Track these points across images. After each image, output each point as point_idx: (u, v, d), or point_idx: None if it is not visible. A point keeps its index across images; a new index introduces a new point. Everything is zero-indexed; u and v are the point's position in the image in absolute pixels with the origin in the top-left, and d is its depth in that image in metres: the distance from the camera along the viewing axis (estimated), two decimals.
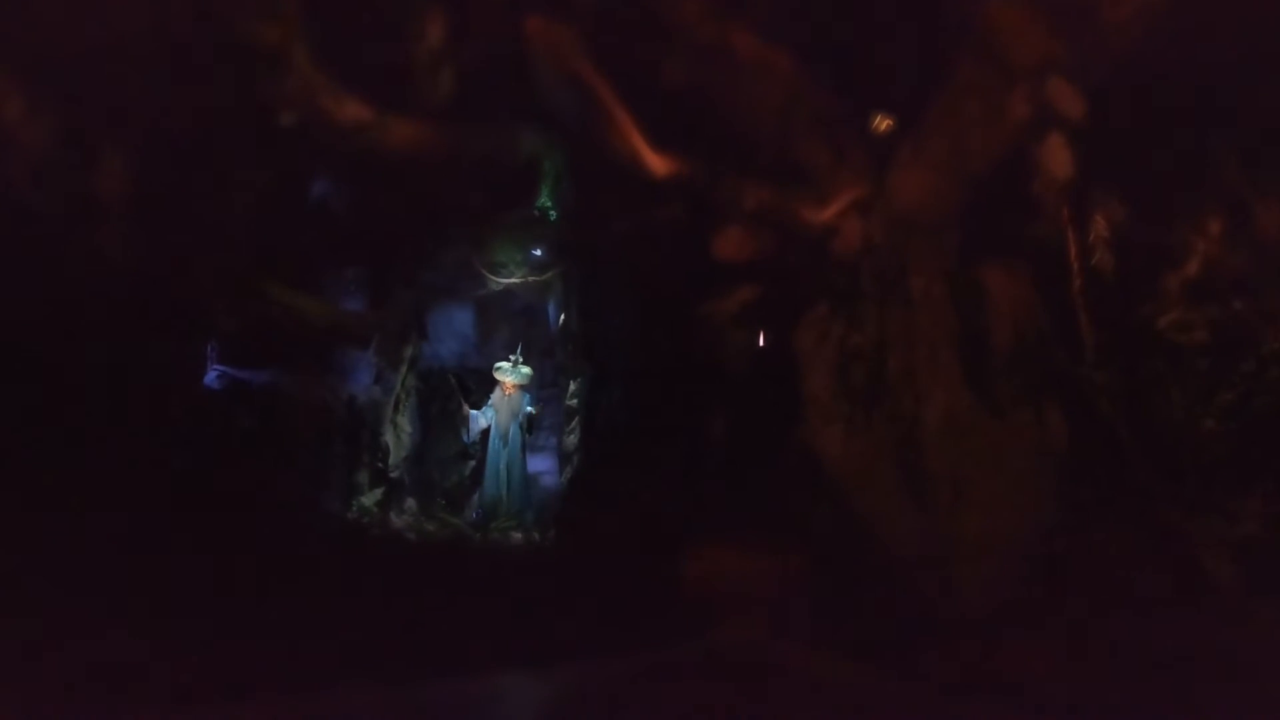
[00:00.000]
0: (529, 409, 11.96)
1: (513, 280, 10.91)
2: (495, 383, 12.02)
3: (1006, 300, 7.71)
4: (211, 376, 10.59)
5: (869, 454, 7.89)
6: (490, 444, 11.82)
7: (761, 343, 9.35)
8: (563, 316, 11.64)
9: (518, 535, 10.92)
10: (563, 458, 11.66)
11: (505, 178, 9.62)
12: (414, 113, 8.91)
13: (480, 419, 11.87)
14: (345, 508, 10.58)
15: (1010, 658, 6.71)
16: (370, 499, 10.76)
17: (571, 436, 11.16)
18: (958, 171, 7.64)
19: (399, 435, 11.62)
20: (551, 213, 9.51)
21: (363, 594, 8.20)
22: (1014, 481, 7.29)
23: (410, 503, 11.42)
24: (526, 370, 11.97)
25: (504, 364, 11.94)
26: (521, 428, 11.87)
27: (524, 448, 11.94)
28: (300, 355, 10.71)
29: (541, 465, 12.66)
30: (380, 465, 11.13)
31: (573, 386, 11.38)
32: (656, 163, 8.12)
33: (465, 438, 12.01)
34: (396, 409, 11.61)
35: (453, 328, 12.99)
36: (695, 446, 9.69)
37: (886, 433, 7.88)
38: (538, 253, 11.05)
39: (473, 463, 12.16)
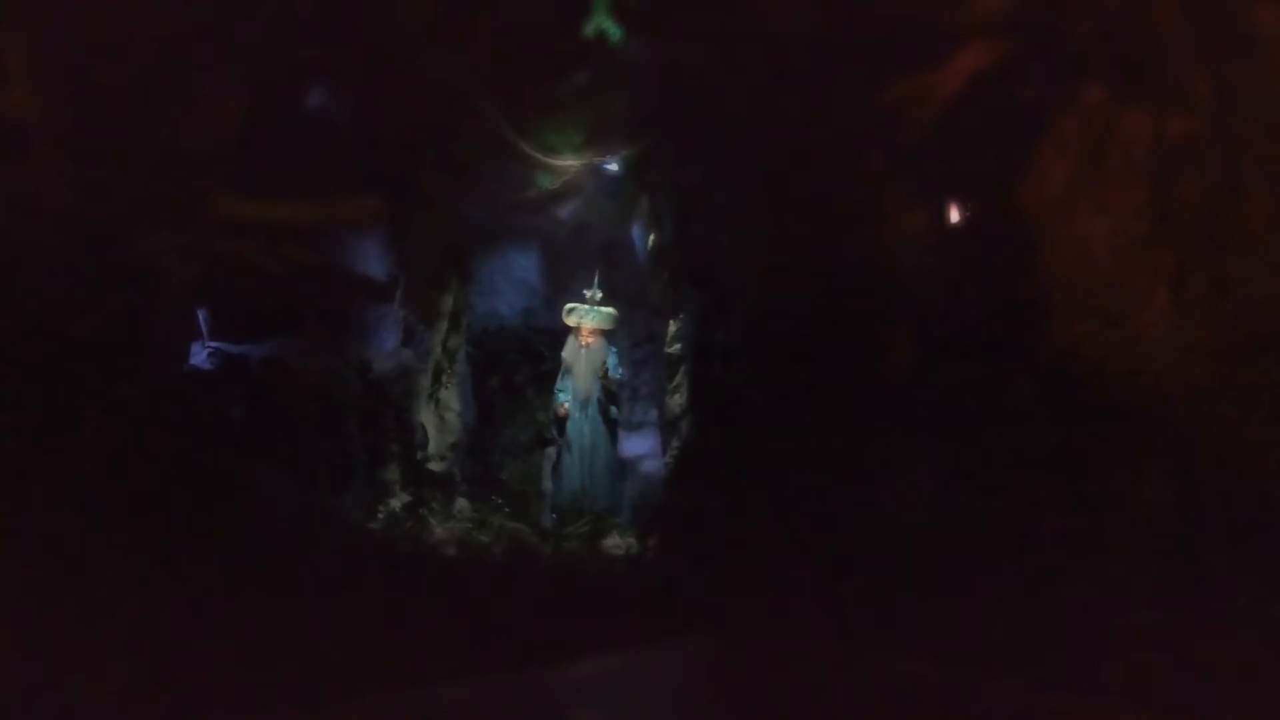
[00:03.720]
0: (616, 374, 8.51)
1: (570, 164, 7.37)
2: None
3: None
4: (201, 356, 7.49)
5: (1232, 352, 4.10)
6: (567, 417, 8.43)
7: (967, 206, 5.76)
8: (651, 236, 8.10)
9: (609, 542, 7.43)
10: (666, 428, 8.08)
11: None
12: None
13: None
14: (369, 514, 7.25)
15: None
16: (401, 501, 7.42)
17: (677, 396, 7.56)
18: None
19: (442, 416, 8.25)
20: (613, 32, 6.00)
21: (384, 632, 5.25)
22: None
23: (461, 505, 8.04)
24: (609, 311, 8.53)
25: (578, 304, 8.53)
26: (600, 400, 8.44)
27: (611, 422, 8.49)
28: (299, 312, 7.48)
29: (641, 447, 9.16)
30: (415, 456, 7.80)
31: (674, 327, 7.80)
32: None
33: (552, 432, 8.63)
34: (438, 381, 8.26)
35: (512, 276, 9.61)
36: (869, 391, 6.10)
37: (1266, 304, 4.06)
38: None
39: (552, 451, 8.78)
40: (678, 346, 7.61)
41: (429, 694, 4.60)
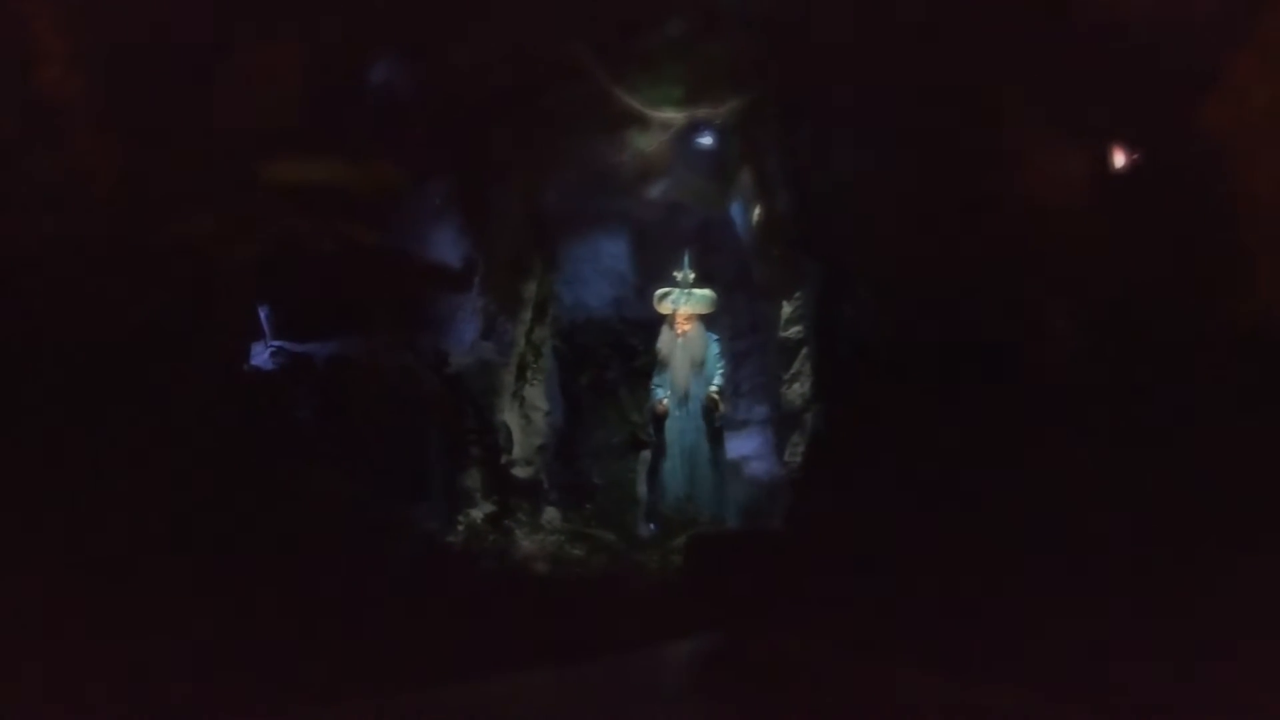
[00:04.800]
0: (715, 383, 7.56)
1: (671, 117, 6.43)
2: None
3: None
4: (263, 355, 6.76)
5: None
6: (666, 415, 7.52)
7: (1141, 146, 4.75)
8: (756, 209, 7.11)
9: None
10: (782, 423, 7.05)
11: None
12: None
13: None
14: (447, 526, 6.45)
15: None
16: (483, 511, 6.57)
17: (796, 386, 6.55)
18: None
19: (528, 416, 7.38)
20: None
21: (465, 660, 4.48)
22: None
23: (550, 515, 7.15)
24: (706, 292, 7.61)
25: (671, 289, 7.64)
26: (705, 405, 7.53)
27: (715, 421, 7.54)
28: (367, 304, 6.69)
29: (746, 448, 8.19)
30: (498, 460, 6.94)
31: (788, 308, 6.80)
32: None
33: (649, 433, 7.76)
34: (522, 377, 7.40)
35: (600, 263, 8.69)
36: (1029, 372, 5.06)
37: None
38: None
39: (647, 454, 7.86)
40: (795, 330, 6.62)
41: (421, 696, 3.97)
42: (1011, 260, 5.35)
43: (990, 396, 5.20)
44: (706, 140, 7.48)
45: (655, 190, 8.07)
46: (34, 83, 5.31)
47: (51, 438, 4.73)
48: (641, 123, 6.30)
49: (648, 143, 6.59)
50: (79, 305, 5.11)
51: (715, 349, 7.65)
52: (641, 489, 7.73)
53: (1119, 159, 5.43)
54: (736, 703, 4.15)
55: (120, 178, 5.40)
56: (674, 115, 6.29)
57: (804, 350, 6.45)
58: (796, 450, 6.29)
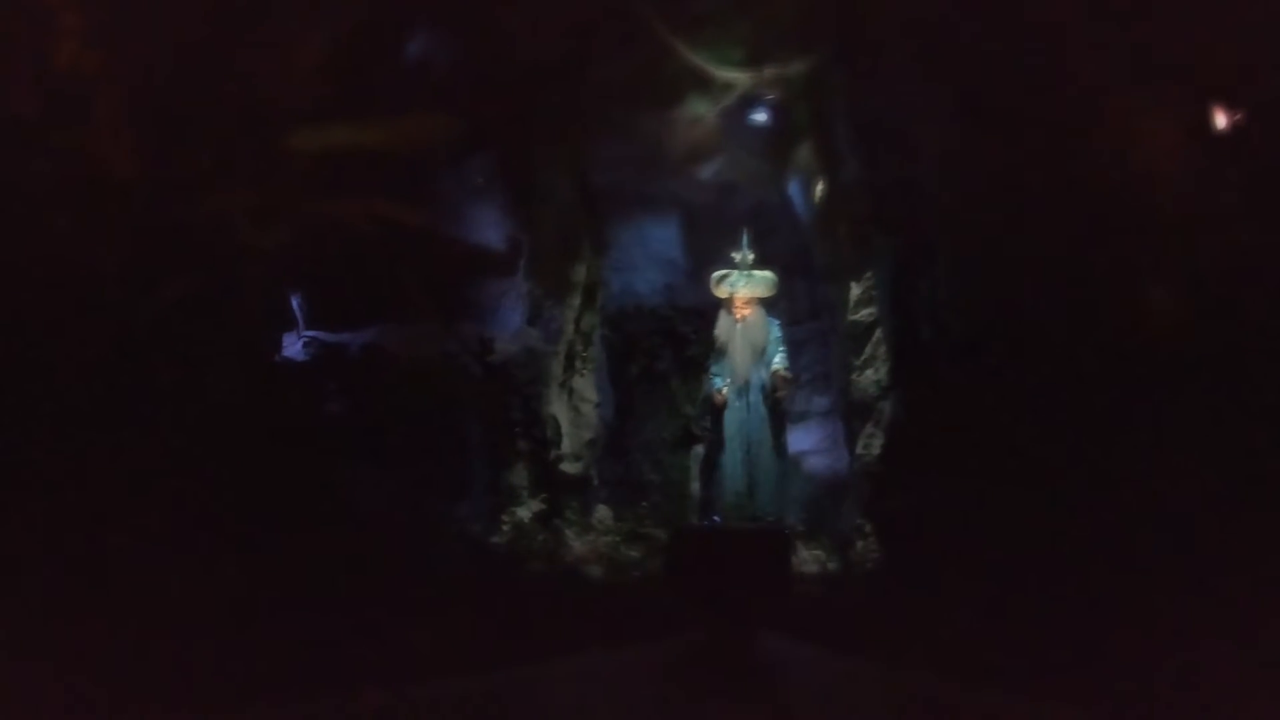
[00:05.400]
0: (777, 362, 7.06)
1: (734, 76, 5.92)
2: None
3: None
4: (296, 346, 6.38)
5: None
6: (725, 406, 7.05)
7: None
8: (819, 185, 6.61)
9: (800, 556, 5.98)
10: (852, 412, 6.51)
11: None
12: None
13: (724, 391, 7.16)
14: (492, 525, 6.03)
15: None
16: (530, 510, 6.14)
17: (869, 372, 6.03)
18: None
19: (577, 408, 6.94)
20: None
21: (518, 682, 4.27)
22: None
23: (601, 513, 6.71)
24: (767, 274, 7.10)
25: (729, 271, 7.15)
26: (765, 389, 7.03)
27: (778, 411, 7.05)
28: (406, 288, 6.28)
29: (806, 441, 7.68)
30: (546, 455, 6.51)
31: (857, 290, 6.28)
32: None
33: (703, 425, 7.30)
34: (570, 367, 6.96)
35: (650, 249, 8.22)
36: (1130, 356, 4.55)
37: None
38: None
39: (701, 449, 7.39)
40: (866, 312, 6.10)
41: (412, 693, 3.90)
42: (1105, 235, 4.86)
43: (1081, 381, 4.71)
44: (761, 117, 7.01)
45: (707, 171, 7.63)
46: (56, 59, 5.01)
47: (74, 430, 4.43)
48: (699, 88, 5.82)
49: (705, 109, 6.10)
50: (101, 294, 4.81)
51: (777, 333, 7.14)
52: (696, 485, 7.28)
53: (1217, 130, 4.90)
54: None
55: (146, 158, 5.08)
56: (734, 76, 5.79)
57: (876, 334, 5.93)
58: (871, 442, 5.78)
